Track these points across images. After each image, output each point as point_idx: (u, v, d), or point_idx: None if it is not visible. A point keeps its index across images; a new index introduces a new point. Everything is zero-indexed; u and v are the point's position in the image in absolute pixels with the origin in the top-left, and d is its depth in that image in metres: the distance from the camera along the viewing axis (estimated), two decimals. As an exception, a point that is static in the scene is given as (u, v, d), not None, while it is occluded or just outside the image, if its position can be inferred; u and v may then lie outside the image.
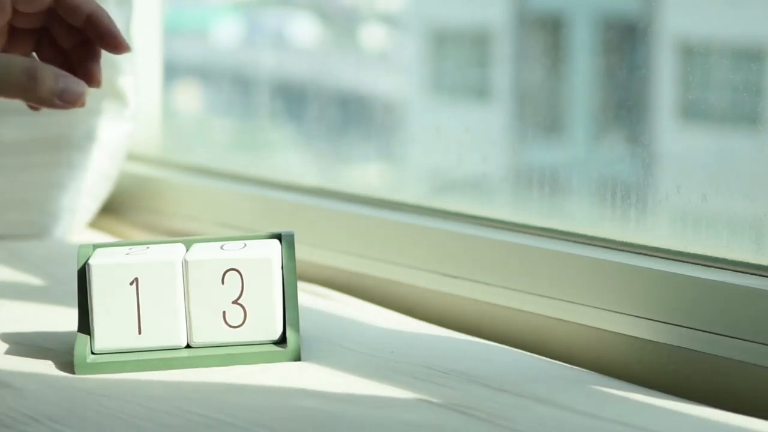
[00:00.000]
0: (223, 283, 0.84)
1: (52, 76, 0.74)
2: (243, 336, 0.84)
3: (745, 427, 0.76)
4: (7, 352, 0.87)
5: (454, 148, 1.21)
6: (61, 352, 0.86)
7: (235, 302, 0.84)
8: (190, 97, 1.84)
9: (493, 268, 1.02)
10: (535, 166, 1.12)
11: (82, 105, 0.75)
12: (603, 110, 1.15)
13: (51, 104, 0.74)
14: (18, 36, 0.81)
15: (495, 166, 1.19)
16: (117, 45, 0.79)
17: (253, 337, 0.85)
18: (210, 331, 0.84)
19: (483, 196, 1.19)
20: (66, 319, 0.93)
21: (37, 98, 0.74)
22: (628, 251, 0.95)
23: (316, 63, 1.70)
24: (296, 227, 1.03)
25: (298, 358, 0.85)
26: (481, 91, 1.45)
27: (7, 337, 0.90)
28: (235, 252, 0.85)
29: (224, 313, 0.84)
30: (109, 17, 0.79)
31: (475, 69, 1.52)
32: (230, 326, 0.84)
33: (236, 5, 1.93)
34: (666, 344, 0.89)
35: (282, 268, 0.86)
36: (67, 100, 0.74)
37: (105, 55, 1.27)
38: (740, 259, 0.88)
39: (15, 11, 0.78)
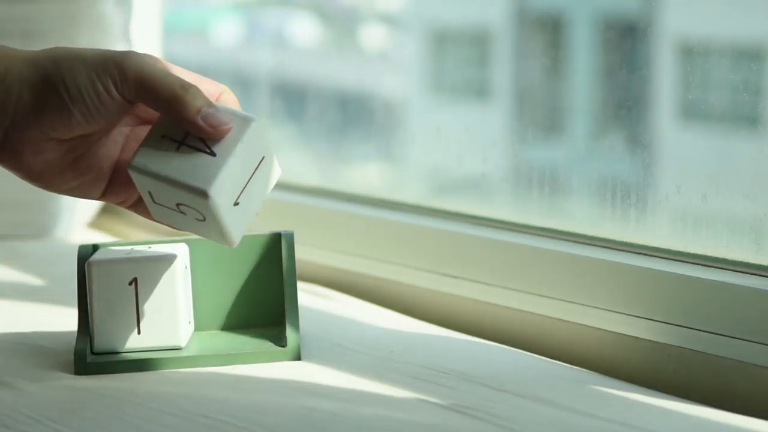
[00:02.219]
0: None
1: (203, 96, 0.75)
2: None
3: (745, 427, 0.76)
4: (7, 352, 0.87)
5: (454, 148, 1.21)
6: (61, 352, 0.86)
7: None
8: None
9: (493, 268, 1.02)
10: (535, 166, 1.12)
11: (222, 135, 0.76)
12: (603, 110, 1.16)
13: (193, 122, 0.75)
14: None
15: (495, 166, 1.19)
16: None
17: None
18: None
19: (483, 196, 1.19)
20: (66, 319, 0.93)
21: (182, 111, 0.75)
22: (628, 251, 0.95)
23: (316, 63, 1.70)
24: (296, 227, 1.03)
25: (297, 358, 0.85)
26: (481, 91, 1.45)
27: (7, 337, 0.90)
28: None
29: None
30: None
31: (475, 69, 1.52)
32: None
33: (236, 5, 1.93)
34: (666, 344, 0.89)
35: (283, 270, 0.86)
36: (210, 123, 0.75)
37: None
38: (740, 259, 0.88)
39: None
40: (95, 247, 0.87)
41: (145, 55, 0.76)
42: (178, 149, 0.75)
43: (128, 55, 0.76)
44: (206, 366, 0.83)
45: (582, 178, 1.12)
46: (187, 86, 0.75)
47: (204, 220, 0.76)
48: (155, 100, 0.75)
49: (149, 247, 0.86)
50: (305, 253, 1.15)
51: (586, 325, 0.95)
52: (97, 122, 0.76)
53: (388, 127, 1.41)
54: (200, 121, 0.75)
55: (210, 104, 0.75)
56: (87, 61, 0.75)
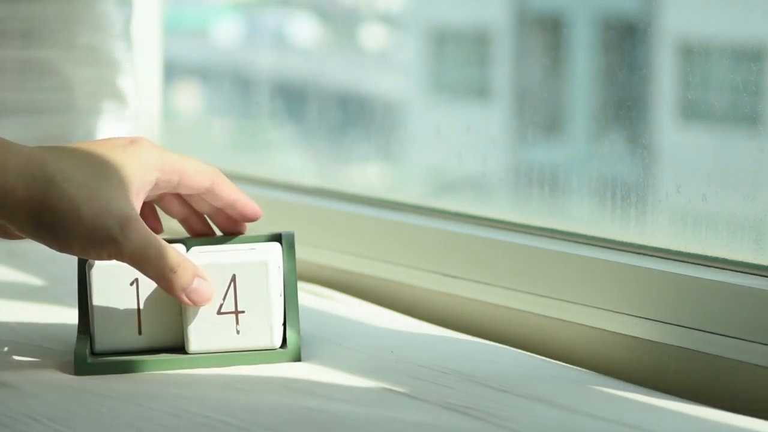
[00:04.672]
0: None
1: (190, 275, 0.81)
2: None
3: (745, 427, 0.76)
4: (7, 352, 0.87)
5: (454, 148, 1.21)
6: (61, 352, 0.86)
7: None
8: (190, 97, 1.84)
9: (493, 268, 1.02)
10: (535, 166, 1.12)
11: (202, 305, 0.82)
12: (603, 110, 1.15)
13: (177, 297, 0.81)
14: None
15: (495, 165, 1.19)
16: (256, 217, 0.88)
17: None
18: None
19: (483, 196, 1.19)
20: (66, 319, 0.93)
21: (168, 289, 0.81)
22: (628, 251, 0.95)
23: (316, 63, 1.70)
24: (296, 227, 1.03)
25: (298, 359, 0.85)
26: (480, 91, 1.45)
27: (7, 337, 0.90)
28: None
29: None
30: (250, 200, 0.88)
31: (475, 69, 1.52)
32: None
33: (236, 5, 1.93)
34: (666, 344, 0.89)
35: (282, 269, 0.86)
36: (193, 299, 0.81)
37: (105, 55, 1.28)
38: (740, 259, 0.88)
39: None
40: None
41: (144, 232, 0.79)
42: (219, 312, 0.83)
43: (127, 231, 0.79)
44: (206, 366, 0.83)
45: (582, 178, 1.12)
46: (176, 268, 0.80)
47: None
48: (146, 275, 0.81)
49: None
50: (305, 253, 1.15)
51: (587, 326, 0.95)
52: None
53: (388, 127, 1.41)
54: (185, 298, 0.81)
55: (196, 278, 0.81)
56: (86, 231, 0.79)
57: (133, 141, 0.83)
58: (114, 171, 0.80)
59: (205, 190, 0.86)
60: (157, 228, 0.90)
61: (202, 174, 0.85)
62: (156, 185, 0.83)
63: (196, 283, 0.81)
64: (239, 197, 0.87)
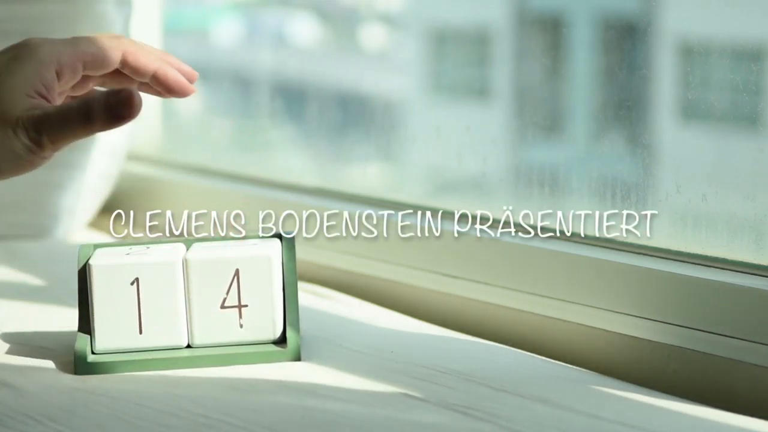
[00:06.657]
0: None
1: (102, 104, 0.75)
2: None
3: (745, 427, 0.76)
4: (7, 352, 0.87)
5: (454, 148, 1.21)
6: (61, 352, 0.86)
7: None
8: (190, 97, 1.84)
9: (493, 268, 1.02)
10: (535, 166, 1.12)
11: (138, 111, 0.76)
12: (603, 110, 1.15)
13: (110, 127, 0.76)
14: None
15: (495, 165, 1.19)
16: (185, 93, 0.82)
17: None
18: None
19: (483, 196, 1.19)
20: (66, 319, 0.93)
21: (97, 130, 0.76)
22: (628, 251, 0.95)
23: (316, 63, 1.69)
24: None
25: (298, 358, 0.85)
26: (481, 91, 1.45)
27: (7, 337, 0.90)
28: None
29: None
30: (173, 70, 0.81)
31: (475, 68, 1.52)
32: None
33: (236, 5, 1.93)
34: (666, 344, 0.89)
35: (282, 266, 0.86)
36: (120, 115, 0.75)
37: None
38: (740, 259, 0.88)
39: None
40: (96, 248, 0.87)
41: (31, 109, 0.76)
42: (222, 306, 0.84)
43: (30, 133, 0.76)
44: (206, 366, 0.83)
45: (582, 178, 1.11)
46: (87, 110, 0.75)
47: None
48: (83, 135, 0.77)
49: (148, 248, 0.86)
50: (305, 253, 1.15)
51: (586, 325, 0.95)
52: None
53: (388, 127, 1.41)
54: (114, 122, 0.76)
55: (109, 97, 0.75)
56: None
57: (15, 54, 0.77)
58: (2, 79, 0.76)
59: (119, 65, 0.80)
60: None
61: (108, 49, 0.79)
62: (62, 77, 0.78)
63: (113, 98, 0.75)
64: (160, 66, 0.81)
